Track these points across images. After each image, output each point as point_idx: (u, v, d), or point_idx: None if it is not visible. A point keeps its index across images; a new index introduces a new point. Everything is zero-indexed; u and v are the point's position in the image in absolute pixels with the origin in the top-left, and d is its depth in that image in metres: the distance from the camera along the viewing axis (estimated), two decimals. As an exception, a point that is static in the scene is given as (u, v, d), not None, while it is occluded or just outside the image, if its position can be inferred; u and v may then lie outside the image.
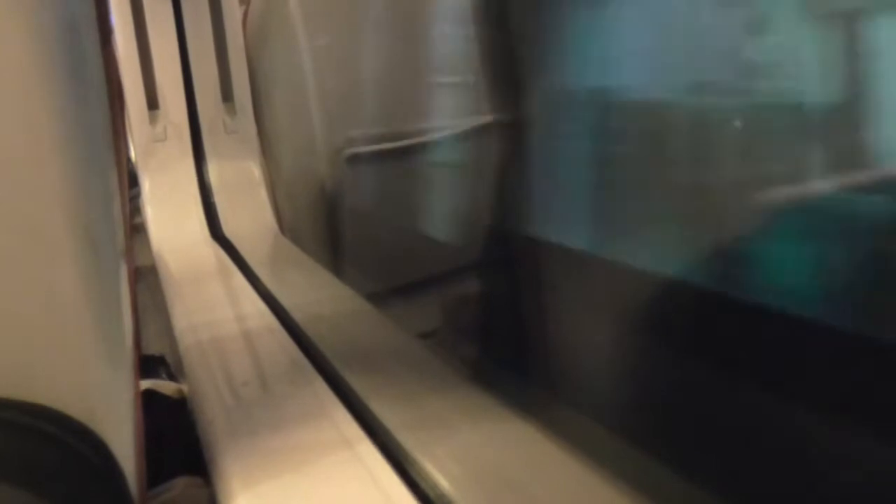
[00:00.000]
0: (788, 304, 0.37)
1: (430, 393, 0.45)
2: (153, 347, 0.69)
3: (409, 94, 0.95)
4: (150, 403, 0.49)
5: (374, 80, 1.01)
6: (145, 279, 0.86)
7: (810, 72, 0.36)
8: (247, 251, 0.86)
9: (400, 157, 0.97)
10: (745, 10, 0.40)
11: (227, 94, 0.99)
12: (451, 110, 0.87)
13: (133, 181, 0.96)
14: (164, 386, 0.52)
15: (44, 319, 0.25)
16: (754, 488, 0.37)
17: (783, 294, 0.37)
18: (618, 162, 0.49)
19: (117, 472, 0.28)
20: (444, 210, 0.84)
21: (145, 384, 0.50)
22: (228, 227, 0.95)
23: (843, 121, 0.35)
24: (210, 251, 0.88)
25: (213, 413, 0.45)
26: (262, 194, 1.01)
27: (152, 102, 0.95)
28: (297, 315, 0.61)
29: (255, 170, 1.02)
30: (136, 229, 0.93)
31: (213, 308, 0.66)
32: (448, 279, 0.83)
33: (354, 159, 1.00)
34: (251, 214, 0.98)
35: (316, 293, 0.71)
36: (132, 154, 0.96)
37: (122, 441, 0.29)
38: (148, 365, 0.55)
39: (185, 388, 0.53)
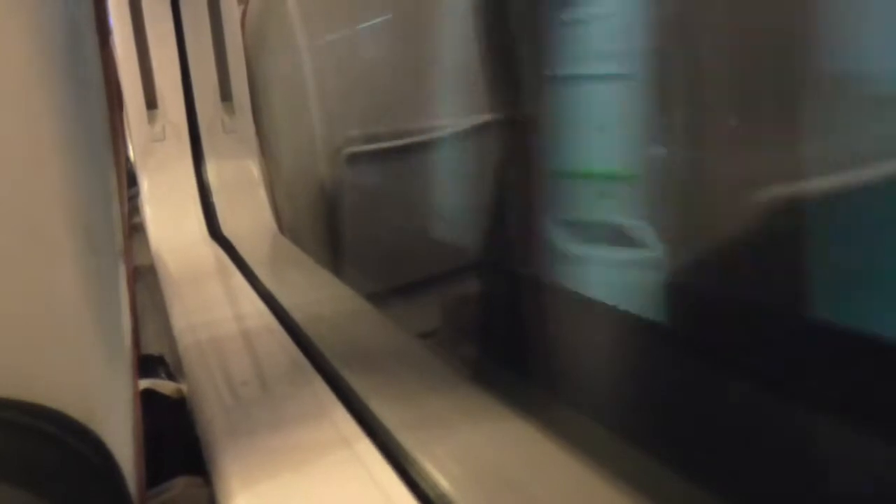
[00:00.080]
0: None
1: (429, 393, 0.45)
2: (152, 347, 0.69)
3: (408, 93, 0.95)
4: (150, 403, 0.49)
5: (373, 79, 1.01)
6: (144, 279, 0.86)
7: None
8: (246, 251, 0.85)
9: (399, 156, 0.97)
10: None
11: (225, 94, 0.99)
12: (451, 109, 0.87)
13: (132, 181, 0.96)
14: (164, 385, 0.52)
15: (43, 319, 0.25)
16: (754, 488, 0.37)
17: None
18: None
19: (117, 471, 0.28)
20: (443, 209, 0.84)
21: (144, 384, 0.50)
22: (227, 227, 0.95)
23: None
24: (209, 251, 0.88)
25: (212, 413, 0.45)
26: (261, 194, 1.01)
27: (151, 102, 0.95)
28: (297, 315, 0.60)
29: (253, 169, 1.01)
30: (134, 229, 0.93)
31: (212, 308, 0.66)
32: (448, 279, 0.83)
33: (354, 158, 0.99)
34: (250, 214, 0.98)
35: (315, 293, 0.71)
36: (131, 154, 0.96)
37: (122, 441, 0.29)
38: (147, 364, 0.55)
39: (184, 387, 0.53)
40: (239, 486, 0.36)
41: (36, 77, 0.23)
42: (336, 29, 1.06)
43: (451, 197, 0.83)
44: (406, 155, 0.96)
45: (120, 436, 0.29)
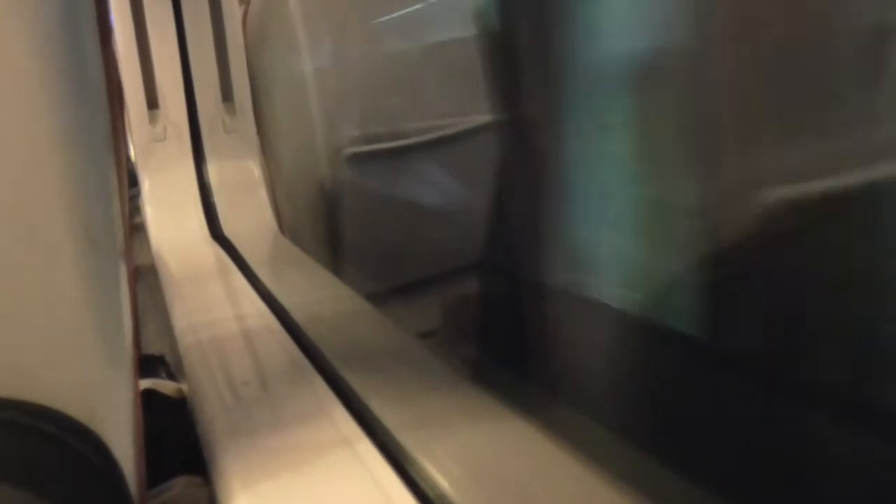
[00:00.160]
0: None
1: (429, 393, 0.45)
2: (153, 347, 0.69)
3: (408, 94, 0.95)
4: (150, 403, 0.49)
5: (374, 80, 1.01)
6: (145, 279, 0.86)
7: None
8: (246, 251, 0.85)
9: (399, 157, 0.97)
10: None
11: (226, 94, 0.99)
12: (450, 109, 0.87)
13: (133, 181, 0.96)
14: (164, 385, 0.52)
15: (43, 319, 0.25)
16: (754, 488, 0.37)
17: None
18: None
19: (117, 471, 0.28)
20: (443, 209, 0.84)
21: (145, 384, 0.50)
22: (228, 227, 0.95)
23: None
24: (210, 251, 0.88)
25: (212, 412, 0.45)
26: (262, 194, 1.01)
27: (152, 102, 0.95)
28: (297, 315, 0.61)
29: (254, 169, 1.01)
30: (135, 229, 0.93)
31: (213, 308, 0.66)
32: (448, 279, 0.83)
33: (354, 159, 0.99)
34: (251, 214, 0.98)
35: (316, 293, 0.71)
36: (132, 154, 0.96)
37: (122, 440, 0.29)
38: (148, 364, 0.55)
39: (184, 387, 0.53)
40: (239, 486, 0.36)
41: (36, 77, 0.23)
42: (338, 29, 1.06)
43: (451, 197, 0.83)
44: (406, 155, 0.96)
45: (120, 436, 0.29)
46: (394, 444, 0.38)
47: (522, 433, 0.40)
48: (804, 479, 0.36)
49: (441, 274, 0.84)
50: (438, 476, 0.35)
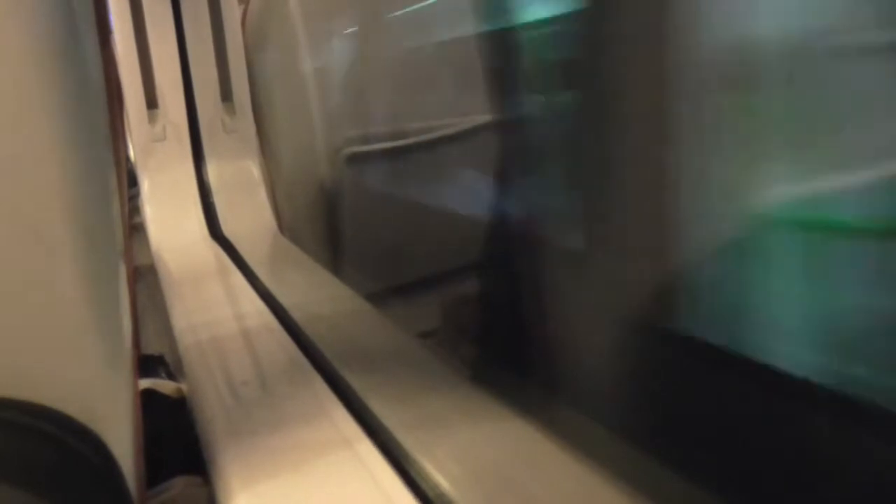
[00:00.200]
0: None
1: (429, 393, 0.45)
2: (152, 347, 0.69)
3: (408, 94, 0.95)
4: (150, 403, 0.49)
5: (373, 79, 1.01)
6: (144, 279, 0.86)
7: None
8: (246, 251, 0.85)
9: (399, 157, 0.97)
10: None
11: (226, 94, 0.99)
12: (449, 110, 0.87)
13: (132, 181, 0.96)
14: (164, 385, 0.52)
15: (43, 319, 0.25)
16: (754, 488, 0.37)
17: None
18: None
19: (117, 471, 0.28)
20: (443, 209, 0.84)
21: (144, 384, 0.50)
22: (227, 227, 0.95)
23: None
24: (209, 251, 0.88)
25: (212, 412, 0.45)
26: (262, 194, 1.01)
27: (151, 102, 0.95)
28: (297, 314, 0.60)
29: (254, 169, 1.01)
30: (135, 229, 0.93)
31: (213, 307, 0.66)
32: (448, 279, 0.83)
33: (354, 158, 0.99)
34: (250, 214, 0.98)
35: (315, 293, 0.71)
36: (131, 154, 0.96)
37: (122, 440, 0.29)
38: (147, 364, 0.55)
39: (184, 387, 0.53)
40: (239, 486, 0.36)
41: (36, 77, 0.23)
42: (337, 29, 1.06)
43: (450, 197, 0.83)
44: (405, 155, 0.96)
45: (120, 435, 0.29)
46: (394, 443, 0.38)
47: (522, 433, 0.40)
48: (803, 478, 0.36)
49: (441, 274, 0.84)
50: (438, 476, 0.35)
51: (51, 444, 0.25)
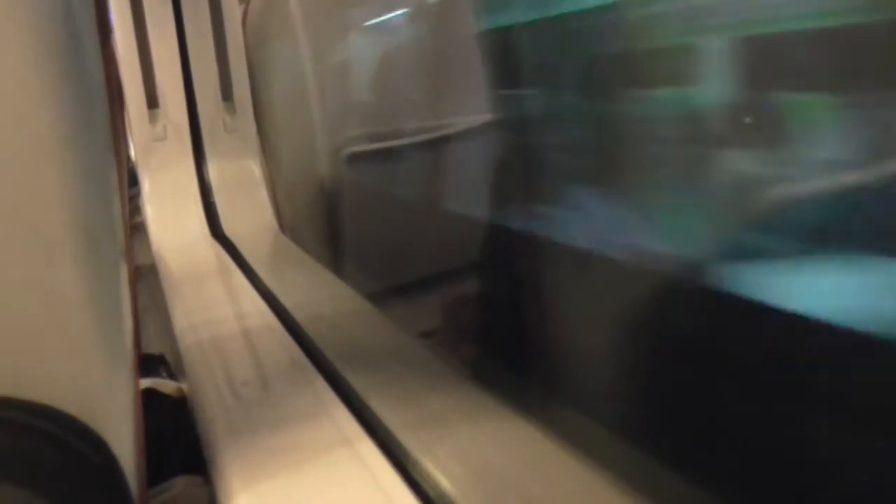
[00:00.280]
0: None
1: (430, 392, 0.45)
2: (153, 346, 0.69)
3: (408, 94, 0.95)
4: (151, 402, 0.49)
5: (374, 80, 1.01)
6: (145, 278, 0.86)
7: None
8: (247, 250, 0.85)
9: (399, 156, 0.97)
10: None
11: (226, 93, 0.99)
12: (449, 110, 0.86)
13: (133, 180, 0.96)
14: (165, 385, 0.52)
15: (44, 319, 0.25)
16: (754, 488, 0.37)
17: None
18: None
19: (117, 470, 0.28)
20: (443, 208, 0.84)
21: (145, 383, 0.50)
22: (228, 226, 0.95)
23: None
24: (210, 250, 0.88)
25: (213, 412, 0.45)
26: (262, 193, 1.01)
27: (152, 101, 0.95)
28: (298, 314, 0.60)
29: (255, 169, 1.01)
30: (135, 228, 0.93)
31: (214, 307, 0.66)
32: (448, 278, 0.83)
33: (354, 158, 0.99)
34: (251, 213, 0.98)
35: (316, 292, 0.71)
36: (132, 153, 0.96)
37: (123, 440, 0.29)
38: (148, 364, 0.55)
39: (185, 387, 0.53)
40: (240, 486, 0.36)
41: (36, 77, 0.23)
42: (337, 29, 1.06)
43: (451, 196, 0.83)
44: (406, 155, 0.95)
45: (121, 435, 0.29)
46: (394, 443, 0.38)
47: (522, 433, 0.40)
48: (803, 478, 0.36)
49: (441, 274, 0.84)
50: (439, 475, 0.35)
51: (52, 444, 0.25)
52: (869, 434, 0.33)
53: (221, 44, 0.97)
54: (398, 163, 0.98)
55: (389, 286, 0.87)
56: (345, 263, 1.00)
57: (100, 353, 0.27)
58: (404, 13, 0.99)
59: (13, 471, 0.24)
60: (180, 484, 0.45)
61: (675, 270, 0.46)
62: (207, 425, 0.43)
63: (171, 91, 0.95)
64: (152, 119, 0.95)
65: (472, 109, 0.85)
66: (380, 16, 1.02)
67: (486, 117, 0.76)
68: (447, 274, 0.83)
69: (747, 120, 0.42)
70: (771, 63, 0.40)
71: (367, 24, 1.04)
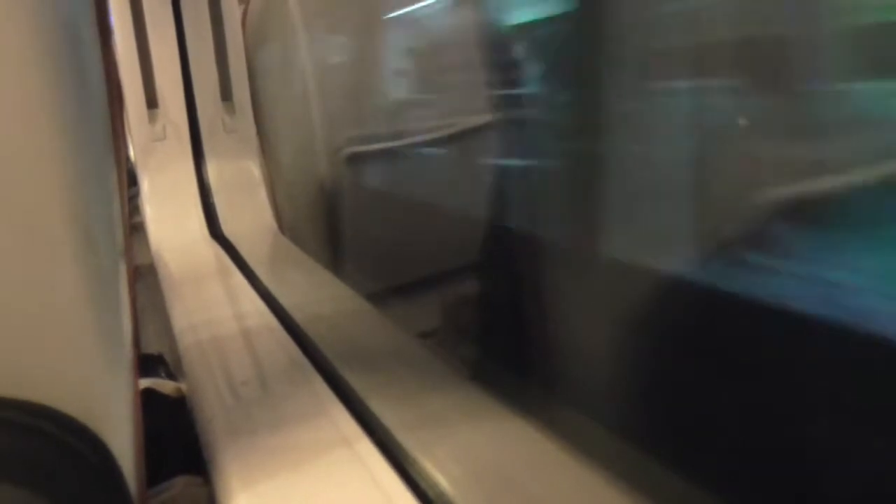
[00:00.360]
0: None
1: (429, 392, 0.45)
2: (152, 346, 0.69)
3: (408, 94, 0.95)
4: (150, 402, 0.49)
5: (374, 79, 1.01)
6: (144, 278, 0.86)
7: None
8: (246, 250, 0.86)
9: (399, 157, 0.97)
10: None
11: (226, 94, 0.99)
12: (448, 110, 0.86)
13: (132, 180, 0.96)
14: (164, 385, 0.52)
15: (43, 319, 0.25)
16: (754, 488, 0.37)
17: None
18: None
19: (117, 471, 0.28)
20: (442, 208, 0.84)
21: (144, 383, 0.50)
22: (228, 227, 0.95)
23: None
24: (209, 250, 0.88)
25: (212, 412, 0.45)
26: (262, 194, 1.01)
27: (151, 102, 0.95)
28: (297, 314, 0.60)
29: (254, 169, 1.01)
30: (135, 228, 0.93)
31: (213, 307, 0.66)
32: (448, 279, 0.83)
33: (354, 158, 0.99)
34: (250, 214, 0.98)
35: (315, 292, 0.71)
36: (131, 153, 0.96)
37: (122, 440, 0.29)
38: (147, 364, 0.55)
39: (184, 387, 0.53)
40: (239, 486, 0.36)
41: (36, 77, 0.23)
42: (337, 29, 1.06)
43: (450, 196, 0.83)
44: (405, 155, 0.96)
45: (120, 435, 0.29)
46: (394, 443, 0.38)
47: (522, 433, 0.40)
48: (803, 478, 0.36)
49: (441, 274, 0.84)
50: (438, 475, 0.35)
51: (51, 444, 0.25)
52: (869, 434, 0.33)
53: (221, 44, 0.97)
54: (398, 163, 0.98)
55: (389, 286, 0.87)
56: (344, 264, 1.00)
57: (99, 353, 0.27)
58: (404, 13, 0.99)
59: (13, 471, 0.24)
60: (179, 484, 0.45)
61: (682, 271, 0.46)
62: (206, 425, 0.43)
63: (170, 91, 0.95)
64: (152, 119, 0.95)
65: (472, 109, 0.85)
66: (379, 16, 1.03)
67: (486, 117, 0.76)
68: (447, 274, 0.83)
69: None
70: None
71: (367, 23, 1.04)
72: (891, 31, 0.33)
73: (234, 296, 0.70)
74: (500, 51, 0.67)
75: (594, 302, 0.51)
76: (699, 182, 0.42)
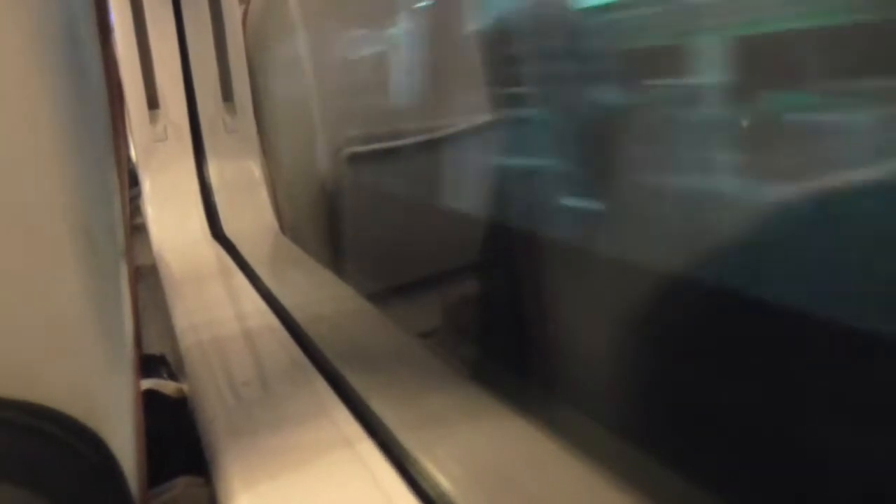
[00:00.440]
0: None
1: (430, 392, 0.45)
2: (154, 347, 0.69)
3: (408, 94, 0.95)
4: (151, 403, 0.49)
5: (374, 79, 1.01)
6: (146, 279, 0.86)
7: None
8: (247, 251, 0.86)
9: (399, 156, 0.97)
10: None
11: (227, 94, 0.99)
12: (448, 110, 0.87)
13: (133, 181, 0.96)
14: (165, 385, 0.52)
15: (44, 319, 0.25)
16: (754, 488, 0.37)
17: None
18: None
19: (118, 471, 0.28)
20: (443, 208, 0.84)
21: (146, 384, 0.50)
22: (229, 227, 0.95)
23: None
24: (210, 251, 0.88)
25: (213, 412, 0.45)
26: (263, 194, 1.01)
27: (152, 102, 0.95)
28: (298, 314, 0.61)
29: (255, 169, 1.02)
30: (136, 229, 0.93)
31: (214, 307, 0.66)
32: (448, 278, 0.83)
33: (355, 158, 1.00)
34: (251, 214, 0.98)
35: (316, 292, 0.71)
36: (132, 154, 0.96)
37: (123, 441, 0.29)
38: (149, 364, 0.55)
39: (185, 387, 0.53)
40: (240, 486, 0.36)
41: (36, 77, 0.23)
42: (338, 29, 1.06)
43: (451, 197, 0.83)
44: (406, 155, 0.96)
45: (121, 436, 0.29)
46: (394, 443, 0.39)
47: (522, 433, 0.40)
48: (803, 478, 0.36)
49: (441, 274, 0.84)
50: (439, 475, 0.35)
51: (52, 445, 0.25)
52: (869, 434, 0.33)
53: (222, 44, 0.97)
54: (399, 163, 0.98)
55: (389, 286, 0.87)
56: (345, 264, 1.00)
57: (100, 353, 0.27)
58: (404, 13, 0.99)
59: (13, 471, 0.24)
60: (181, 484, 0.45)
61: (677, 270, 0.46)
62: (208, 426, 0.43)
63: (171, 91, 0.95)
64: (153, 120, 0.95)
65: (472, 109, 0.85)
66: (379, 16, 1.03)
67: (487, 116, 0.76)
68: (447, 274, 0.83)
69: None
70: None
71: (367, 23, 1.04)
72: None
73: (236, 296, 0.70)
74: (499, 50, 0.67)
75: (592, 300, 0.51)
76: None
